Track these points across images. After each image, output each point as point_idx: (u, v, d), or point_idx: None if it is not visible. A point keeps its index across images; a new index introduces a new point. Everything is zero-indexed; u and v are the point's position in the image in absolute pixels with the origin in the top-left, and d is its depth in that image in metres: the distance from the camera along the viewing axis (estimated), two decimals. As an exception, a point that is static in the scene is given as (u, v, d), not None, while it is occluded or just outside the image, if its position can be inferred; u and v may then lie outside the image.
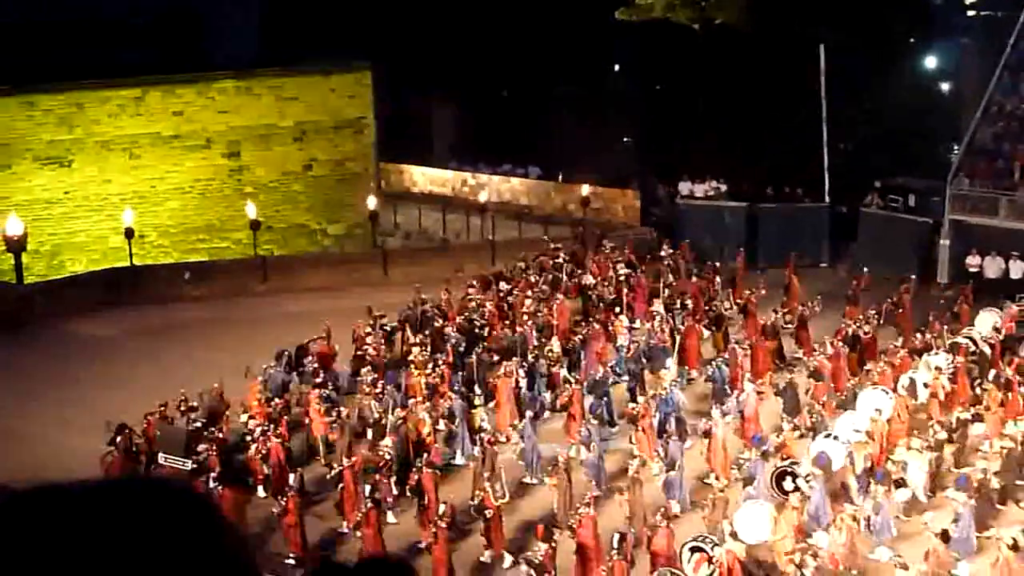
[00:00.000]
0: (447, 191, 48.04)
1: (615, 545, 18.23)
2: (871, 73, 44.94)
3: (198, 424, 23.75)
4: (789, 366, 27.97)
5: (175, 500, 1.71)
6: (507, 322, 30.31)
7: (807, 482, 20.43)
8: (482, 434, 23.28)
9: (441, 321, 30.03)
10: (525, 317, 30.03)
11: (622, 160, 47.50)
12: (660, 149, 47.02)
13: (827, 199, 39.43)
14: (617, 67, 55.29)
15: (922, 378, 24.99)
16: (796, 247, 36.08)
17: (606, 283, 33.34)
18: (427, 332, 29.37)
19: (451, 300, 31.90)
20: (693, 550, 18.48)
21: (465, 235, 43.87)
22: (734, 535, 18.76)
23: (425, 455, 22.23)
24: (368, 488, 20.56)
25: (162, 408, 24.34)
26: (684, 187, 41.85)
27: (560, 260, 35.52)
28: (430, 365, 26.55)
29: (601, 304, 31.60)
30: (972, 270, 34.92)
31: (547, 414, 25.88)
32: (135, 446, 23.30)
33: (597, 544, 19.01)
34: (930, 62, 51.20)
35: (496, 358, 27.09)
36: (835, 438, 21.80)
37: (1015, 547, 18.06)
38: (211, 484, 20.70)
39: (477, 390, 25.15)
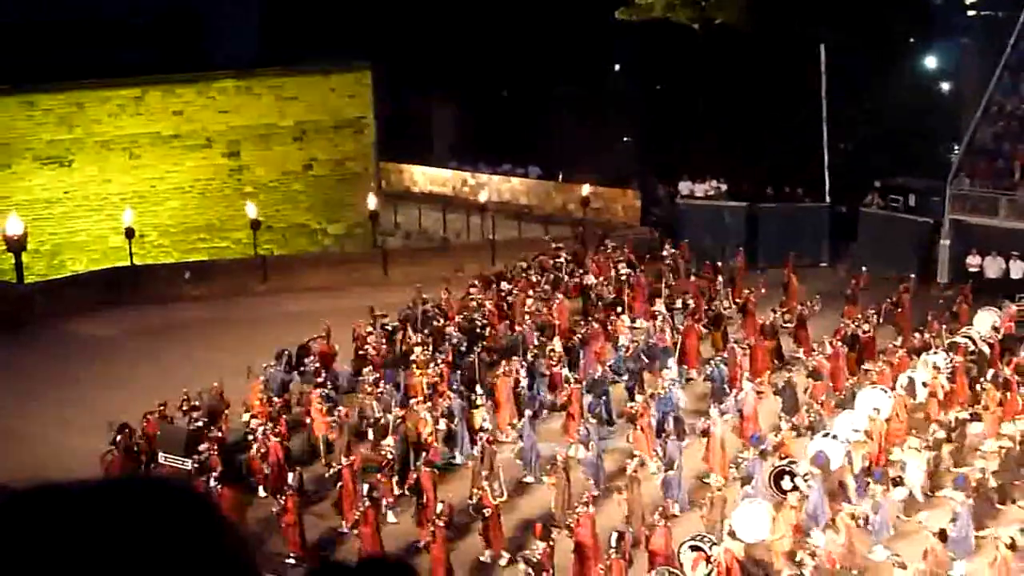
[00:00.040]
0: (447, 191, 48.05)
1: (613, 544, 18.24)
2: (871, 73, 44.96)
3: (199, 424, 23.72)
4: (788, 366, 28.00)
5: (175, 500, 1.71)
6: (507, 322, 30.33)
7: (805, 481, 20.44)
8: (481, 433, 23.28)
9: (442, 321, 30.05)
10: (526, 316, 30.05)
11: (622, 160, 47.49)
12: (660, 149, 47.03)
13: (827, 199, 39.43)
14: (617, 67, 55.31)
15: (921, 377, 25.00)
16: (796, 247, 36.09)
17: (606, 283, 33.35)
18: (426, 332, 29.39)
19: (450, 300, 31.91)
20: (691, 549, 18.48)
21: (465, 235, 43.87)
22: (732, 534, 18.77)
23: (424, 454, 22.26)
24: (366, 487, 20.55)
25: (161, 408, 24.35)
26: (684, 187, 41.86)
27: (561, 260, 35.53)
28: (431, 365, 26.56)
29: (600, 303, 31.63)
30: (972, 270, 34.92)
31: (545, 413, 25.88)
32: (136, 445, 23.30)
33: (595, 543, 19.02)
34: (930, 62, 51.22)
35: (495, 357, 27.08)
36: (834, 437, 21.81)
37: (1013, 546, 18.07)
38: (211, 484, 20.70)
39: (479, 390, 25.12)
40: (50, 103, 40.49)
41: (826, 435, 22.03)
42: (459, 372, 26.81)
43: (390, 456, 22.09)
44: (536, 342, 28.64)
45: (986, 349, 27.21)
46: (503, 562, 20.02)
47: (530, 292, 31.96)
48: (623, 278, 33.23)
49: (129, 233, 37.41)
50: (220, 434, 23.46)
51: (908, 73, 48.70)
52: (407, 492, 21.62)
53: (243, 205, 41.23)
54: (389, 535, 20.43)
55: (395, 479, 21.97)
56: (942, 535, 18.52)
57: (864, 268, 33.78)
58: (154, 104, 41.79)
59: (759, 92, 43.83)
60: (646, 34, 46.29)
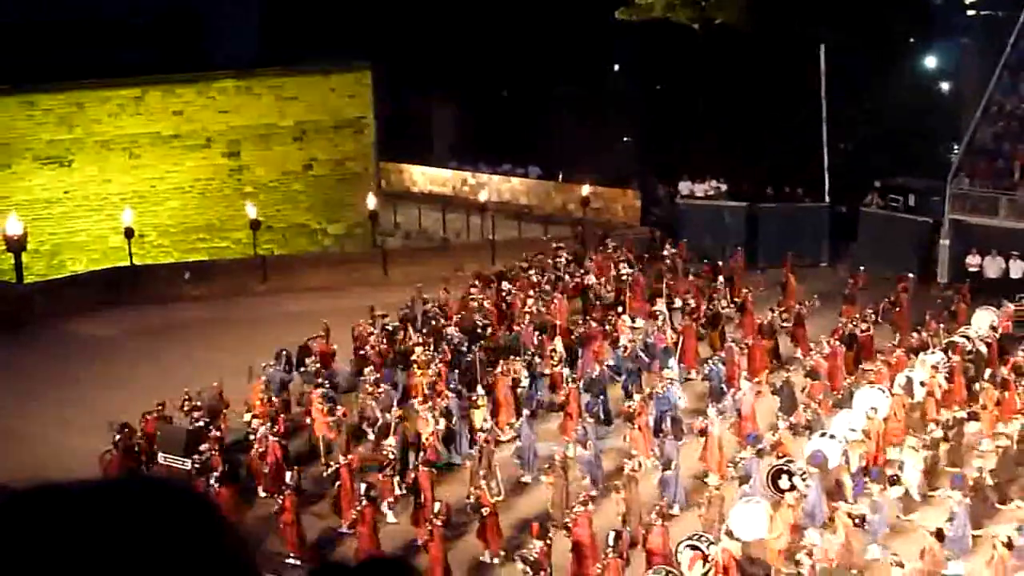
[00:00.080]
0: (447, 191, 48.05)
1: (611, 543, 18.27)
2: (871, 73, 44.95)
3: (200, 424, 23.71)
4: (786, 365, 28.00)
5: (175, 500, 1.71)
6: (506, 321, 30.35)
7: (803, 480, 20.45)
8: (480, 433, 23.30)
9: (442, 320, 30.07)
10: (525, 316, 30.07)
11: (622, 160, 47.50)
12: (660, 149, 47.03)
13: (827, 199, 39.42)
14: (617, 67, 55.30)
15: (919, 377, 25.00)
16: (796, 247, 36.10)
17: (605, 283, 33.36)
18: (425, 331, 29.42)
19: (449, 299, 31.92)
20: (689, 548, 18.49)
21: (465, 235, 43.86)
22: (730, 533, 18.79)
23: (422, 453, 22.27)
24: (363, 486, 20.57)
25: (160, 407, 24.36)
26: (684, 187, 41.85)
27: (562, 259, 35.55)
28: (431, 364, 26.58)
29: (599, 302, 31.63)
30: (972, 270, 34.90)
31: (543, 412, 25.87)
32: (136, 445, 23.32)
33: (593, 542, 19.04)
34: (930, 62, 51.21)
35: (494, 357, 27.08)
36: (831, 437, 21.83)
37: (1010, 545, 18.09)
38: (210, 484, 20.71)
39: (480, 390, 25.13)
40: (50, 103, 40.48)
41: (823, 434, 22.06)
42: (458, 372, 26.82)
43: (392, 456, 22.10)
44: (535, 341, 28.67)
45: (984, 349, 27.21)
46: (497, 560, 20.04)
47: (531, 292, 31.97)
48: (624, 278, 33.24)
49: (129, 233, 37.41)
50: (219, 433, 23.47)
51: (908, 73, 48.69)
52: (405, 491, 21.64)
53: (243, 205, 41.23)
54: (387, 535, 20.45)
55: (396, 479, 21.97)
56: (939, 534, 18.54)
57: (862, 268, 33.81)
58: (154, 104, 41.78)
59: (759, 92, 43.83)
60: (646, 34, 46.29)
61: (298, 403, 26.24)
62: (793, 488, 20.32)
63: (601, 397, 25.48)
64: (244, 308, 35.37)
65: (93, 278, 37.35)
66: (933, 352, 26.35)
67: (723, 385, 25.81)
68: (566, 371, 26.59)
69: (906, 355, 26.63)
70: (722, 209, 40.21)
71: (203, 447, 22.49)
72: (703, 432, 23.01)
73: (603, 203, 43.31)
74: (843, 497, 20.62)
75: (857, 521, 19.32)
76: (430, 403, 24.38)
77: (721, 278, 33.27)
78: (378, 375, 26.25)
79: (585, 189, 42.40)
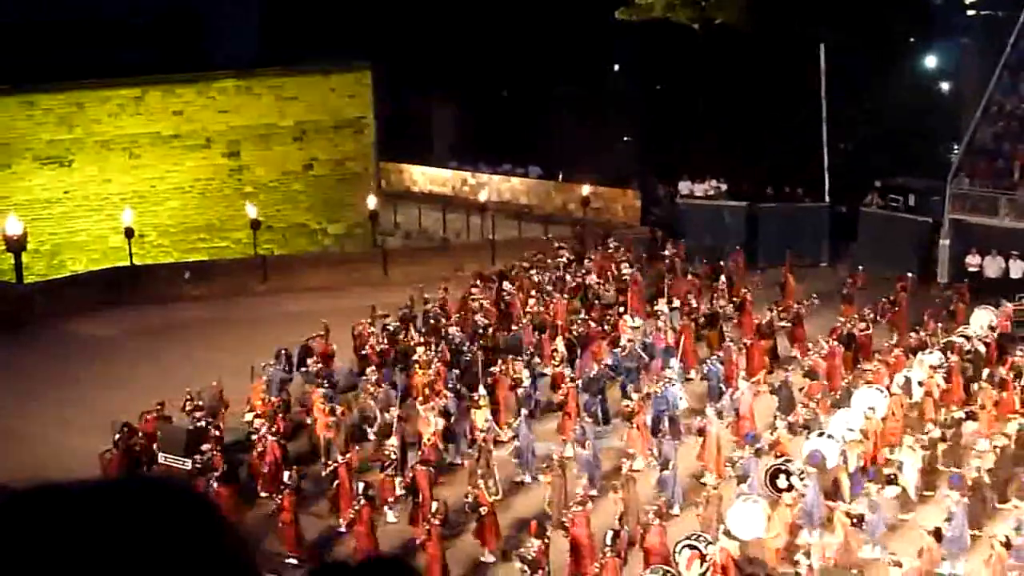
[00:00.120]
0: (447, 191, 48.08)
1: (608, 543, 18.29)
2: (871, 73, 44.96)
3: (201, 424, 23.69)
4: (784, 365, 27.99)
5: (175, 500, 1.71)
6: (505, 321, 30.36)
7: (801, 480, 20.46)
8: (479, 432, 23.32)
9: (443, 320, 30.09)
10: (525, 315, 30.08)
11: (622, 160, 47.51)
12: (660, 149, 47.05)
13: (827, 199, 39.43)
14: (617, 67, 55.32)
15: (917, 377, 25.02)
16: (796, 247, 36.13)
17: (605, 282, 33.37)
18: (423, 331, 29.44)
19: (447, 299, 31.93)
20: (686, 548, 18.49)
21: (465, 235, 43.88)
22: (728, 533, 18.80)
23: (420, 453, 22.29)
24: (362, 486, 20.59)
25: (159, 407, 24.36)
26: (684, 187, 41.86)
27: (563, 259, 35.56)
28: (432, 364, 26.60)
29: (597, 302, 31.63)
30: (972, 270, 34.91)
31: (539, 412, 25.88)
32: (138, 445, 23.33)
33: (591, 542, 19.05)
34: (930, 62, 51.22)
35: (492, 357, 27.09)
36: (829, 436, 21.84)
37: (1008, 545, 18.11)
38: (211, 483, 20.72)
39: (482, 390, 25.14)
40: (50, 103, 40.48)
41: (821, 434, 22.07)
42: (459, 372, 26.83)
43: (393, 456, 22.11)
44: (535, 341, 28.69)
45: (982, 348, 27.21)
46: (492, 559, 20.05)
47: (532, 292, 31.99)
48: (624, 278, 33.26)
49: (129, 233, 37.42)
50: (218, 433, 23.48)
51: (908, 73, 48.70)
52: (403, 491, 21.65)
53: (243, 205, 41.24)
54: (385, 534, 20.46)
55: (398, 479, 21.98)
56: (937, 534, 18.56)
57: (860, 267, 33.84)
58: (154, 104, 41.77)
59: (759, 92, 43.84)
60: (646, 34, 46.30)
61: (300, 404, 26.22)
62: (791, 488, 20.32)
63: (599, 397, 25.50)
64: (244, 308, 35.38)
65: (93, 278, 37.36)
66: (931, 352, 26.37)
67: (721, 385, 25.83)
68: (568, 371, 26.60)
69: (904, 355, 26.65)
70: (722, 209, 40.22)
71: (205, 447, 22.47)
72: (701, 432, 23.03)
73: (603, 203, 43.34)
74: (841, 497, 20.62)
75: (855, 521, 19.33)
76: (431, 403, 24.38)
77: (723, 278, 33.28)
78: (380, 375, 26.25)
79: (585, 189, 42.42)
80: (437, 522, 19.19)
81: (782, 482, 20.69)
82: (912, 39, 50.71)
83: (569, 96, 49.09)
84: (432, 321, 30.28)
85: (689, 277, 33.93)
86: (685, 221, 40.22)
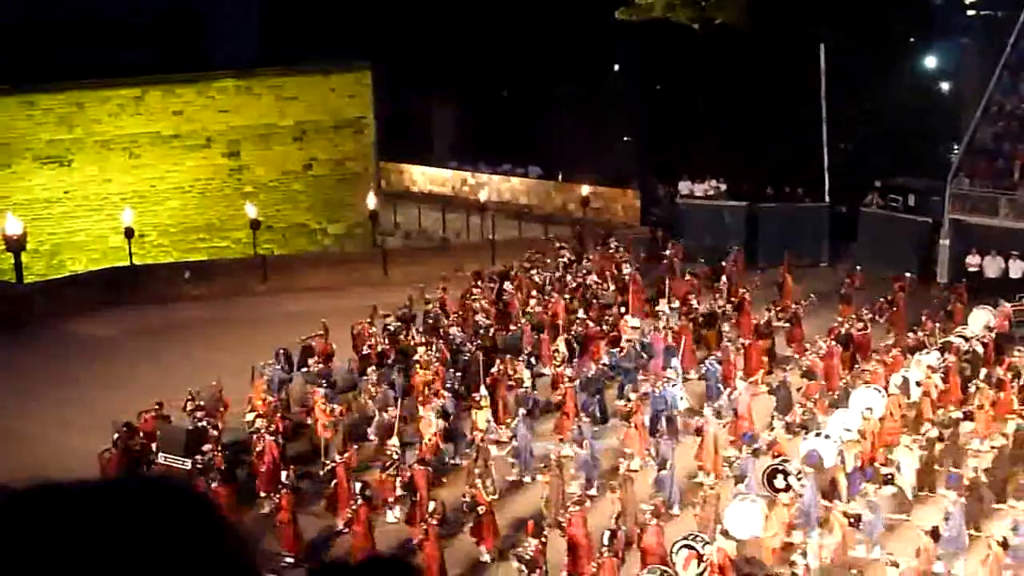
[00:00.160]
0: (447, 191, 48.11)
1: (606, 542, 18.30)
2: (871, 73, 44.97)
3: (202, 424, 23.68)
4: (781, 365, 27.99)
5: (174, 499, 1.71)
6: (504, 321, 30.37)
7: (798, 480, 20.47)
8: (476, 432, 23.34)
9: (444, 320, 30.09)
10: (525, 315, 30.08)
11: (622, 160, 47.54)
12: (660, 149, 47.06)
13: (827, 199, 39.43)
14: (617, 67, 55.34)
15: (914, 376, 25.02)
16: (796, 247, 36.13)
17: (603, 282, 33.37)
18: (421, 331, 29.44)
19: (445, 299, 31.93)
20: (683, 548, 18.49)
21: (465, 235, 43.90)
22: (725, 533, 18.80)
23: (416, 452, 22.29)
24: (359, 485, 20.59)
25: (158, 406, 24.36)
26: (684, 187, 41.87)
27: (564, 259, 35.57)
28: (432, 364, 26.61)
29: (595, 301, 31.64)
30: (972, 270, 34.91)
31: (538, 412, 25.89)
32: (139, 444, 23.32)
33: (588, 541, 19.06)
34: (930, 62, 51.23)
35: (491, 357, 27.09)
36: (826, 436, 21.85)
37: (1005, 544, 18.13)
38: (211, 483, 20.71)
39: (483, 390, 25.14)
40: (50, 103, 40.48)
41: (818, 434, 22.08)
42: (457, 372, 26.83)
43: (395, 456, 22.11)
44: (533, 341, 28.69)
45: (980, 349, 27.21)
46: (489, 558, 20.06)
47: (533, 292, 31.99)
48: (625, 278, 33.28)
49: (129, 233, 37.42)
50: (217, 432, 23.47)
51: (908, 73, 48.71)
52: (401, 490, 21.66)
53: (243, 205, 41.24)
54: (382, 534, 20.45)
55: (398, 480, 21.98)
56: (934, 533, 18.58)
57: (859, 267, 33.85)
58: (154, 104, 41.78)
59: (759, 92, 43.84)
60: (646, 34, 46.30)
61: (301, 404, 26.21)
62: (789, 488, 20.33)
63: (597, 397, 25.51)
64: (244, 308, 35.39)
65: (93, 278, 37.36)
66: (928, 352, 26.38)
67: (719, 385, 25.85)
68: (569, 371, 26.59)
69: (902, 355, 26.66)
70: (722, 209, 40.23)
71: (206, 447, 22.46)
72: (699, 431, 23.04)
73: (603, 203, 43.37)
74: (838, 497, 20.63)
75: (852, 521, 19.35)
76: (430, 403, 24.38)
77: (724, 278, 33.28)
78: (380, 375, 26.26)
79: (585, 189, 42.45)
80: (434, 522, 19.20)
81: (779, 482, 20.69)
82: (912, 39, 50.72)
83: (569, 96, 49.10)
84: (431, 321, 30.28)
85: (687, 277, 33.92)
86: (685, 221, 40.23)
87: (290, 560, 19.94)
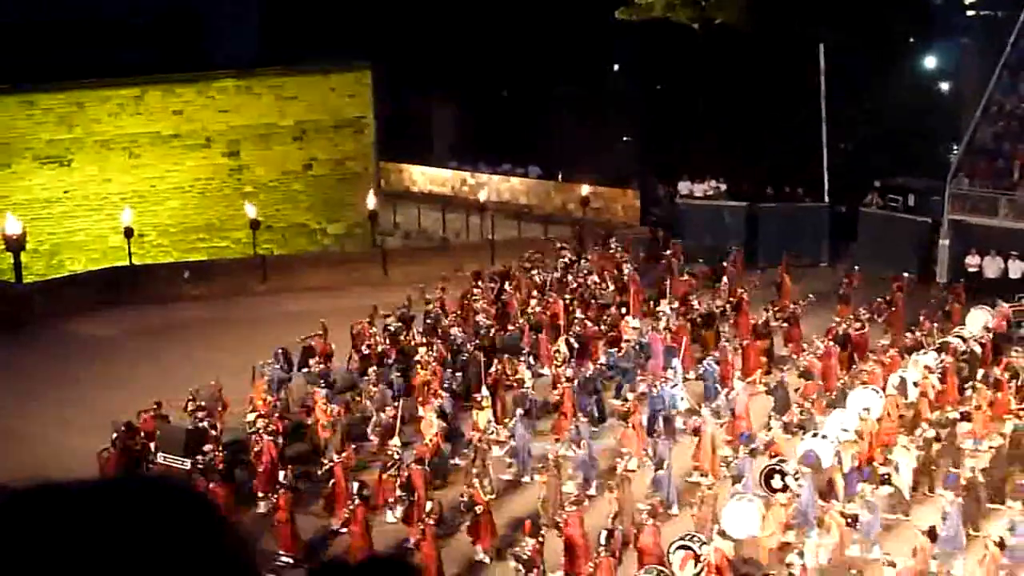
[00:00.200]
0: (447, 190, 48.11)
1: (603, 542, 18.31)
2: (871, 73, 44.96)
3: (203, 424, 23.68)
4: (780, 365, 27.99)
5: (174, 499, 1.72)
6: (502, 321, 30.38)
7: (796, 480, 20.47)
8: (474, 432, 23.35)
9: (444, 320, 30.10)
10: (526, 315, 30.09)
11: (622, 160, 47.54)
12: (660, 149, 47.06)
13: (827, 199, 39.43)
14: (617, 67, 55.32)
15: (912, 377, 25.02)
16: (796, 247, 36.15)
17: (601, 282, 33.37)
18: (420, 331, 29.45)
19: (445, 299, 31.94)
20: (680, 548, 18.50)
21: (465, 234, 43.91)
22: (723, 533, 18.81)
23: (413, 452, 22.31)
24: (357, 485, 20.60)
25: (157, 406, 24.36)
26: (684, 187, 41.87)
27: (566, 260, 35.58)
28: (431, 364, 26.61)
29: (594, 301, 31.65)
30: (971, 270, 34.91)
31: (536, 412, 25.91)
32: (139, 444, 23.33)
33: (584, 541, 19.07)
34: (930, 62, 51.23)
35: (490, 357, 27.10)
36: (823, 437, 21.85)
37: (1001, 545, 18.14)
38: (210, 483, 20.72)
39: (484, 391, 25.13)
40: (50, 103, 40.47)
41: (815, 435, 22.08)
42: (457, 372, 26.83)
43: (396, 456, 22.12)
44: (532, 341, 28.70)
45: (977, 349, 27.20)
46: (479, 557, 20.06)
47: (534, 293, 31.99)
48: (626, 278, 33.28)
49: (128, 233, 37.41)
50: (215, 432, 23.48)
51: (908, 73, 48.71)
52: (399, 490, 21.66)
53: (243, 205, 41.24)
54: (379, 534, 20.45)
55: (398, 480, 21.98)
56: (932, 533, 18.59)
57: (856, 267, 33.85)
58: (154, 104, 41.78)
59: (759, 92, 43.83)
60: (646, 34, 46.29)
61: (302, 404, 26.22)
62: (786, 488, 20.34)
63: (595, 396, 25.51)
64: (244, 308, 35.39)
65: (92, 278, 37.35)
66: (925, 353, 26.38)
67: (717, 385, 25.85)
68: (569, 371, 26.60)
69: (900, 355, 26.65)
70: (722, 209, 40.23)
71: (207, 447, 22.45)
72: (696, 431, 23.04)
73: (603, 203, 43.37)
74: (835, 497, 20.64)
75: (849, 521, 19.36)
76: (429, 404, 24.39)
77: (725, 279, 33.29)
78: (379, 374, 26.27)
79: (585, 189, 42.45)
80: (431, 522, 19.22)
81: (777, 482, 20.70)
82: (912, 39, 50.72)
83: (569, 96, 49.08)
84: (430, 321, 30.27)
85: (685, 277, 33.92)
86: (685, 221, 40.22)
87: (289, 560, 19.94)
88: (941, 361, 25.74)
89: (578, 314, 30.08)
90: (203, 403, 24.56)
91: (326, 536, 21.25)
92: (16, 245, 34.81)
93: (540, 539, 18.70)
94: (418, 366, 26.59)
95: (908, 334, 28.34)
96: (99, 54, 40.12)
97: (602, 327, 29.32)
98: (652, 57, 48.44)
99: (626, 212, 43.29)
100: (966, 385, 25.32)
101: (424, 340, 28.44)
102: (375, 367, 26.66)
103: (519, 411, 24.06)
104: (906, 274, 33.48)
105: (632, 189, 43.99)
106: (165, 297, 36.07)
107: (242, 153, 43.15)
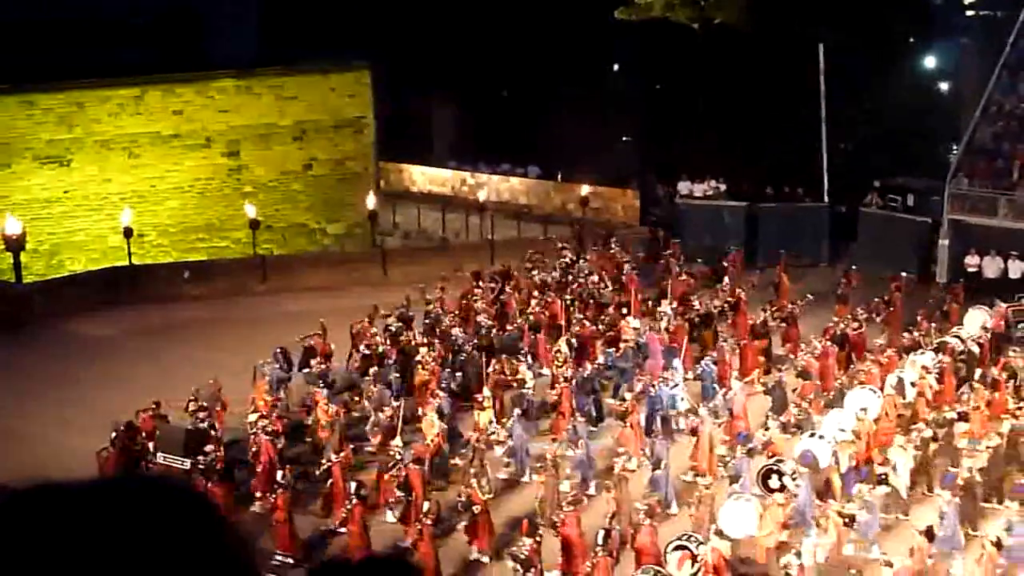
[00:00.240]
0: (446, 190, 48.11)
1: (600, 542, 18.32)
2: (871, 73, 44.97)
3: (204, 424, 23.69)
4: (778, 365, 28.00)
5: (174, 499, 1.72)
6: (502, 321, 30.40)
7: (793, 480, 20.49)
8: (473, 432, 23.37)
9: (444, 320, 30.12)
10: (526, 315, 30.11)
11: (622, 160, 47.54)
12: (660, 149, 47.06)
13: (827, 199, 39.44)
14: (617, 67, 55.32)
15: (910, 377, 25.03)
16: (796, 247, 36.15)
17: (600, 282, 33.39)
18: (419, 331, 29.47)
19: (443, 299, 31.96)
20: (677, 548, 18.51)
21: (464, 234, 43.91)
22: (719, 533, 18.83)
23: (411, 452, 22.33)
24: (354, 485, 20.62)
25: (155, 405, 24.38)
26: (684, 187, 41.88)
27: (567, 260, 35.60)
28: (430, 364, 26.63)
29: (592, 301, 31.67)
30: (971, 270, 34.92)
31: (534, 412, 25.92)
32: (139, 444, 23.35)
33: (582, 541, 19.08)
34: (930, 62, 51.23)
35: (489, 357, 27.12)
36: (820, 437, 21.86)
37: (998, 545, 18.16)
38: (209, 483, 20.75)
39: (486, 391, 25.14)
40: (50, 103, 40.48)
41: (812, 435, 22.09)
42: (456, 372, 26.85)
43: (398, 456, 22.14)
44: (531, 341, 28.71)
45: (975, 349, 27.21)
46: (485, 559, 20.08)
47: (534, 293, 32.01)
48: (624, 278, 33.28)
49: (128, 233, 37.42)
50: (216, 432, 23.50)
51: (908, 73, 48.72)
52: (397, 490, 21.68)
53: (243, 205, 41.25)
54: (379, 533, 20.47)
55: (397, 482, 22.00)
56: (929, 533, 18.60)
57: (855, 267, 33.85)
58: (154, 104, 41.79)
59: (759, 92, 43.84)
60: (646, 34, 46.29)
61: (302, 404, 26.23)
62: (783, 488, 20.35)
63: (593, 396, 25.52)
64: (244, 308, 35.40)
65: (92, 278, 37.36)
66: (923, 353, 26.38)
67: (715, 385, 25.86)
68: (568, 372, 26.61)
69: (897, 355, 26.66)
70: (722, 209, 40.23)
71: (208, 448, 22.46)
72: (694, 431, 23.06)
73: (603, 203, 43.37)
74: (833, 497, 20.65)
75: (847, 521, 19.37)
76: (429, 403, 24.41)
77: (726, 279, 33.29)
78: (378, 374, 26.30)
79: (584, 189, 42.46)
80: (429, 522, 19.24)
81: (774, 482, 20.71)
82: (912, 39, 50.72)
83: (569, 96, 49.05)
84: (430, 321, 30.28)
85: (684, 277, 33.93)
86: (685, 221, 40.22)
87: (288, 560, 19.96)
88: (939, 361, 25.75)
89: (578, 314, 30.08)
90: (205, 404, 24.56)
91: (324, 536, 21.27)
92: (16, 245, 34.84)
93: (537, 539, 18.71)
94: (419, 366, 26.59)
95: (906, 334, 28.34)
96: (99, 54, 40.12)
97: (600, 327, 29.32)
98: (652, 57, 48.45)
99: (626, 212, 43.29)
100: (963, 385, 25.31)
101: (424, 340, 28.45)
102: (376, 367, 26.66)
103: (516, 411, 24.08)
104: (905, 274, 33.47)
105: (632, 189, 43.99)
106: (165, 297, 36.08)
107: (242, 153, 43.17)
